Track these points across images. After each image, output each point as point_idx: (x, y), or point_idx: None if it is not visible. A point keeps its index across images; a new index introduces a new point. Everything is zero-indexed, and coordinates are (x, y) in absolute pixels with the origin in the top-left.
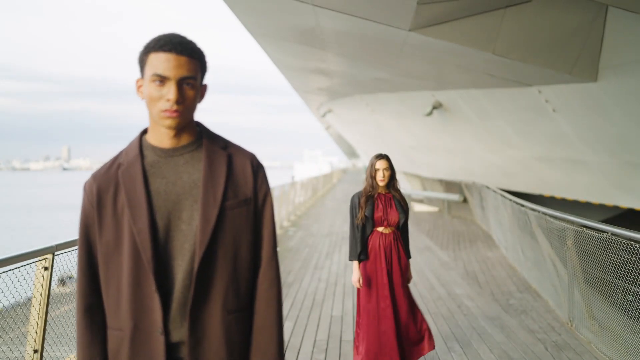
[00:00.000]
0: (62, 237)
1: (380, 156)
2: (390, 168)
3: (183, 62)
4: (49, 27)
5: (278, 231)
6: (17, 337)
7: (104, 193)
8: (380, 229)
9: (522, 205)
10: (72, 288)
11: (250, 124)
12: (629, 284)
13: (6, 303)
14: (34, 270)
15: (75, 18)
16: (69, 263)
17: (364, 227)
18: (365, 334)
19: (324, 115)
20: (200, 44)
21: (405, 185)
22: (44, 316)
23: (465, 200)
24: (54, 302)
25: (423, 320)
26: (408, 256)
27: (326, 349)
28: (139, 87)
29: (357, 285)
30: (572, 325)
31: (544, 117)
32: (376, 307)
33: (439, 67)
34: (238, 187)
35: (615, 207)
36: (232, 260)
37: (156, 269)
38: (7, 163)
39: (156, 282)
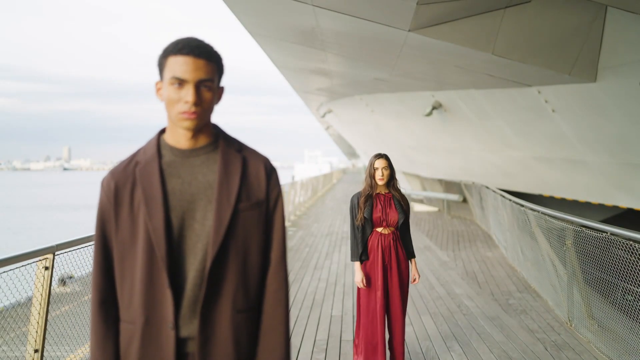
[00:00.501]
0: (63, 237)
1: (379, 155)
2: (390, 167)
3: (201, 65)
4: (48, 27)
5: None
6: (18, 336)
7: (121, 189)
8: (379, 229)
9: (522, 205)
10: (72, 288)
11: (251, 124)
12: (628, 283)
13: (7, 303)
14: (34, 270)
15: (75, 18)
16: (69, 263)
17: (363, 227)
18: (363, 334)
19: (323, 116)
20: (217, 47)
21: (405, 186)
22: (44, 316)
23: (464, 200)
24: (55, 302)
25: (401, 334)
26: (411, 256)
27: (326, 349)
28: (158, 89)
29: (360, 285)
30: (571, 325)
31: (543, 117)
32: (374, 308)
33: (438, 68)
34: (251, 189)
35: (615, 207)
36: (243, 261)
37: (169, 265)
38: (8, 163)
39: (169, 279)
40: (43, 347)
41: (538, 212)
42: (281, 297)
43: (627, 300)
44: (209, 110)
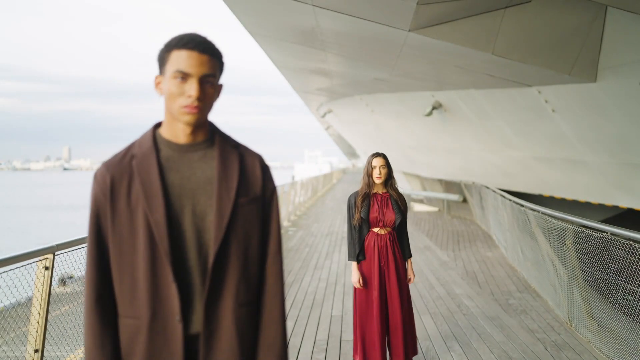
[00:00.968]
0: (63, 237)
1: (377, 154)
2: (387, 166)
3: (205, 60)
4: (48, 27)
5: None
6: (18, 336)
7: (117, 183)
8: (376, 229)
9: (522, 205)
10: (72, 288)
11: (251, 124)
12: (628, 283)
13: (7, 303)
14: (34, 270)
15: (75, 18)
16: (69, 263)
17: (360, 227)
18: (360, 334)
19: (323, 116)
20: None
21: (405, 186)
22: (44, 316)
23: (464, 200)
24: (55, 302)
25: (412, 334)
26: (408, 256)
27: (326, 349)
28: (157, 83)
29: (357, 285)
30: (571, 325)
31: (543, 117)
32: (370, 308)
33: (438, 68)
34: (249, 185)
35: (615, 207)
36: (244, 254)
37: (173, 259)
38: (8, 163)
39: (173, 273)
40: (43, 347)
41: (538, 212)
42: (278, 291)
43: (627, 300)
44: (210, 105)
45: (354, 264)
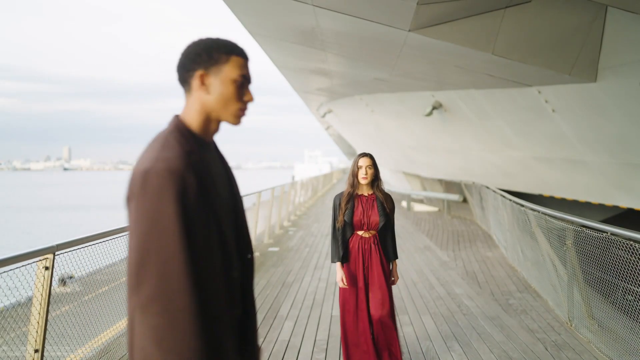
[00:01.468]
0: (63, 237)
1: (364, 154)
2: (374, 167)
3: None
4: (48, 27)
5: (278, 231)
6: (18, 336)
7: (194, 180)
8: (360, 232)
9: (522, 205)
10: (72, 288)
11: (251, 124)
12: (628, 283)
13: (7, 303)
14: (34, 270)
15: (75, 18)
16: (69, 263)
17: (344, 230)
18: (345, 333)
19: (323, 116)
20: None
21: (405, 186)
22: (44, 316)
23: (465, 200)
24: (55, 302)
25: (394, 338)
26: (393, 257)
27: (326, 349)
28: (203, 81)
29: (341, 284)
30: (571, 325)
31: (543, 117)
32: (355, 308)
33: (438, 68)
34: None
35: (615, 207)
36: None
37: (236, 255)
38: (8, 163)
39: (235, 269)
40: (43, 347)
41: (538, 212)
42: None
43: (627, 300)
44: None
45: (338, 264)
